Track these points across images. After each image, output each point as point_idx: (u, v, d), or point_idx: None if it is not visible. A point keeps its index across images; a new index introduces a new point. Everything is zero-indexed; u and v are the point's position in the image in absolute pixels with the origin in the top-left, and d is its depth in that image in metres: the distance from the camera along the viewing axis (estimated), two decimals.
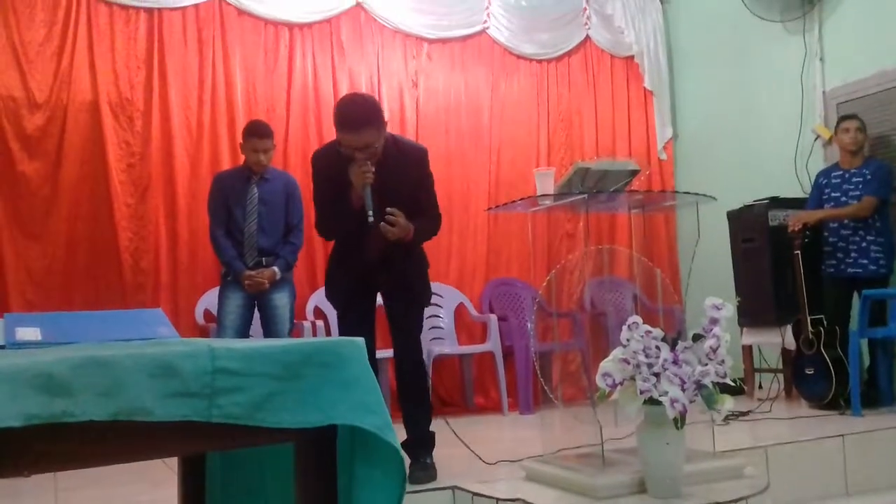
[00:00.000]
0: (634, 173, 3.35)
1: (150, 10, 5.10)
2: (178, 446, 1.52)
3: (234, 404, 1.38)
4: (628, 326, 2.61)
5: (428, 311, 5.53)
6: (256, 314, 4.48)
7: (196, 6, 5.24)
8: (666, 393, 2.49)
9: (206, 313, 4.94)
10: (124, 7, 5.04)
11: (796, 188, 5.61)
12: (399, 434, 1.70)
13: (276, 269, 4.40)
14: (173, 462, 2.10)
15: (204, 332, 4.82)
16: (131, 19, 5.06)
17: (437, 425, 3.49)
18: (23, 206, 4.69)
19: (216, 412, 1.36)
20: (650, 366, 2.54)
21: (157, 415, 1.30)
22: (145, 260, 4.93)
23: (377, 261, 3.35)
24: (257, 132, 4.47)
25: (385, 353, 5.12)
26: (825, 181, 5.08)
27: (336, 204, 3.28)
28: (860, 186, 4.87)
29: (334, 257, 3.53)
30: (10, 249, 4.63)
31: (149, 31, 5.10)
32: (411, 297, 3.46)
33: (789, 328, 4.97)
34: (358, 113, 3.16)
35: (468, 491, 3.04)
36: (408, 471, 2.80)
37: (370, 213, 3.11)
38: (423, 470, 3.23)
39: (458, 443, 3.68)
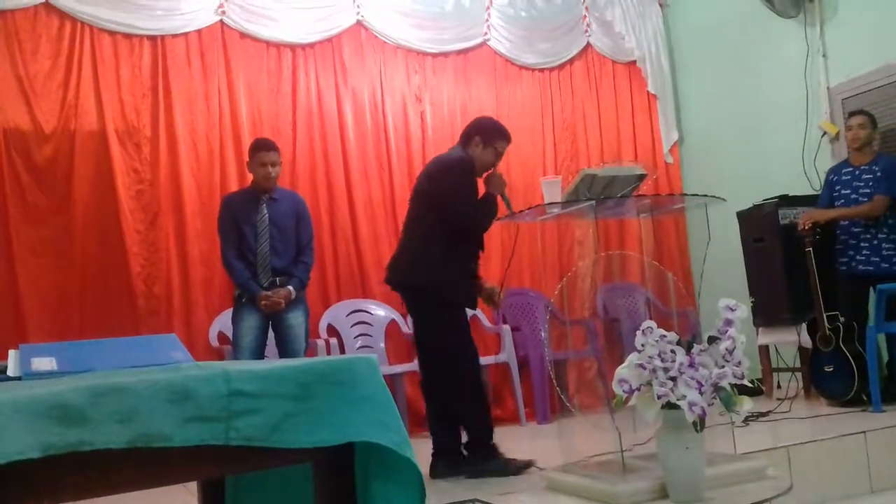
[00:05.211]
0: (642, 178, 3.34)
1: (153, 38, 5.14)
2: (197, 471, 1.52)
3: (250, 426, 1.37)
4: (642, 331, 2.60)
5: None
6: (271, 335, 4.49)
7: (198, 31, 5.27)
8: (684, 397, 2.48)
9: (220, 336, 4.95)
10: (127, 36, 5.07)
11: (805, 186, 5.59)
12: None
13: (291, 288, 4.41)
14: (193, 486, 2.10)
15: (219, 355, 4.83)
16: (135, 47, 5.09)
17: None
18: (35, 236, 4.71)
19: (233, 435, 1.36)
20: (666, 370, 2.53)
21: (174, 440, 1.30)
22: (158, 286, 4.94)
23: None
24: (264, 146, 4.51)
25: (403, 367, 5.15)
26: (835, 178, 5.01)
27: (489, 204, 3.75)
28: (871, 183, 4.81)
29: (456, 258, 3.77)
30: (25, 280, 4.64)
31: (153, 58, 5.13)
32: None
33: (805, 326, 4.93)
34: None
35: None
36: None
37: (511, 209, 3.72)
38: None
39: None
